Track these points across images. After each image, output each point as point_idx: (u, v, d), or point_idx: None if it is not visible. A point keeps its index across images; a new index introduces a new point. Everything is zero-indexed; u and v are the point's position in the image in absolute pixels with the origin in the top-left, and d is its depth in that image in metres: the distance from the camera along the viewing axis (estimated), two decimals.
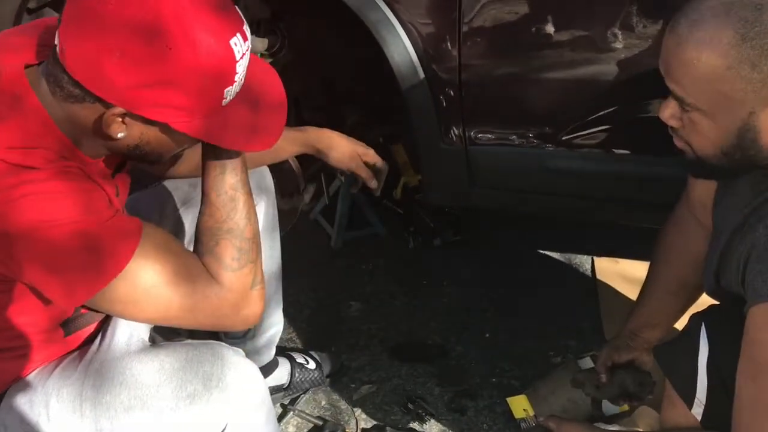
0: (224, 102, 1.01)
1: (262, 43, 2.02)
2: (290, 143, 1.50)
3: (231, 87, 1.00)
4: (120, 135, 1.00)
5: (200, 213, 1.13)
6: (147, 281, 1.04)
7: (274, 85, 1.12)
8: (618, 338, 1.51)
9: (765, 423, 0.98)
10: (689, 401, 1.19)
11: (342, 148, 1.53)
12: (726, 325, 1.11)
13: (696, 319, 1.20)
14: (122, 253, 1.01)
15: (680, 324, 1.65)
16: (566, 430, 1.41)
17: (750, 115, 0.97)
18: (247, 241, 1.12)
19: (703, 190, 1.30)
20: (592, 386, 1.53)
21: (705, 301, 1.27)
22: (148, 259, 1.03)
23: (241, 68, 1.00)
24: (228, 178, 1.11)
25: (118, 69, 0.93)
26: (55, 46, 0.97)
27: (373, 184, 1.58)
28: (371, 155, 1.57)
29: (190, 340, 1.23)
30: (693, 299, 1.46)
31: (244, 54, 1.00)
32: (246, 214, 1.13)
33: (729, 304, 1.13)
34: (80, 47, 0.94)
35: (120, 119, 0.98)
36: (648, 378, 1.48)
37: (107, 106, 0.97)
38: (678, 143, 1.09)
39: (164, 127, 1.01)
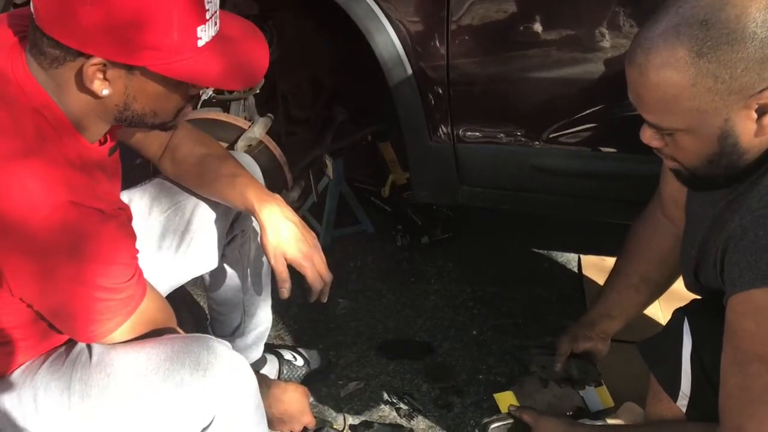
0: (200, 43, 1.02)
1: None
2: (239, 198, 1.39)
3: (204, 26, 1.01)
4: (105, 92, 1.02)
5: None
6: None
7: (254, 35, 1.13)
8: (577, 327, 1.53)
9: (754, 410, 1.00)
10: (674, 394, 1.21)
11: (268, 240, 1.37)
12: (708, 318, 1.12)
13: (678, 313, 1.22)
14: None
15: (653, 319, 1.70)
16: (543, 425, 1.42)
17: (725, 122, 1.00)
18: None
19: (675, 187, 1.31)
20: (539, 366, 1.57)
21: (687, 295, 1.28)
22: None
23: (211, 6, 1.02)
24: None
25: (89, 14, 0.94)
26: (32, 14, 0.99)
27: (282, 292, 1.40)
28: (304, 268, 1.39)
29: (177, 333, 1.23)
30: (655, 296, 1.48)
31: None
32: None
33: (710, 299, 1.15)
34: (52, 1, 0.96)
35: (101, 75, 1.00)
36: (592, 369, 1.52)
37: (86, 58, 0.98)
38: (668, 163, 1.12)
39: (144, 72, 1.01)
